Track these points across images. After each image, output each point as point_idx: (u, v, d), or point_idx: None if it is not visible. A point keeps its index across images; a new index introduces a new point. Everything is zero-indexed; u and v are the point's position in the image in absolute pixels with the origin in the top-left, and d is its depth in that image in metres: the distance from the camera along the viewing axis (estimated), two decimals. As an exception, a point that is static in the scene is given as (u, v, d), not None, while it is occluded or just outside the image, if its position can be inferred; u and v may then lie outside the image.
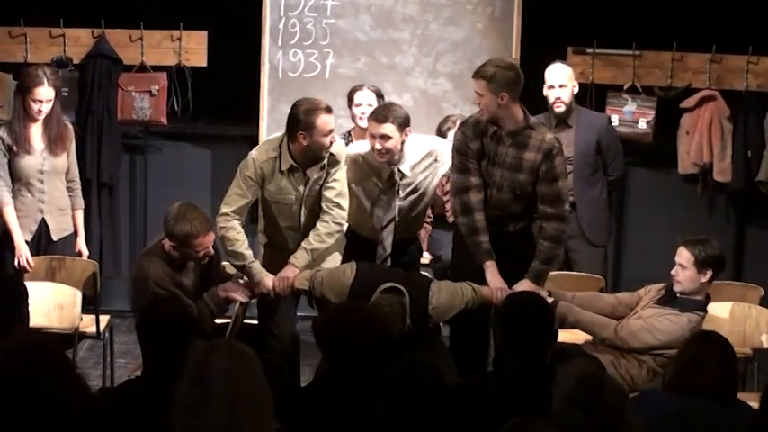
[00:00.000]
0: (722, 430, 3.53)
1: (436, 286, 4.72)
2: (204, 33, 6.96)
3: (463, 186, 5.00)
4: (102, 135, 6.90)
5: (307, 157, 4.98)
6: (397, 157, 5.12)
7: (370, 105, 5.87)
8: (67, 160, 5.85)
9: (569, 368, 3.19)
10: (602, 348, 4.80)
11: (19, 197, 5.76)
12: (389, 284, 4.49)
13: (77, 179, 5.97)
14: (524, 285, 4.90)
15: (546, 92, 6.24)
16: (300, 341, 5.32)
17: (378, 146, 5.07)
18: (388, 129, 5.04)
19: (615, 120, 6.80)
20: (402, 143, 5.10)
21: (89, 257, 5.95)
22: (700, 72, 6.91)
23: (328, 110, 4.94)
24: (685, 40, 6.85)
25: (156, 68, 6.96)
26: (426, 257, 6.25)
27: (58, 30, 6.90)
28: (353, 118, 6.11)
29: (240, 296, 4.94)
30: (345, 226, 5.15)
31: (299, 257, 4.99)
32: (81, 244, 5.95)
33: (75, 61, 6.91)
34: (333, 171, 5.03)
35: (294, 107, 4.97)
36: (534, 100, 6.07)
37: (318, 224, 5.03)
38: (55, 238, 5.84)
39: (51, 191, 5.82)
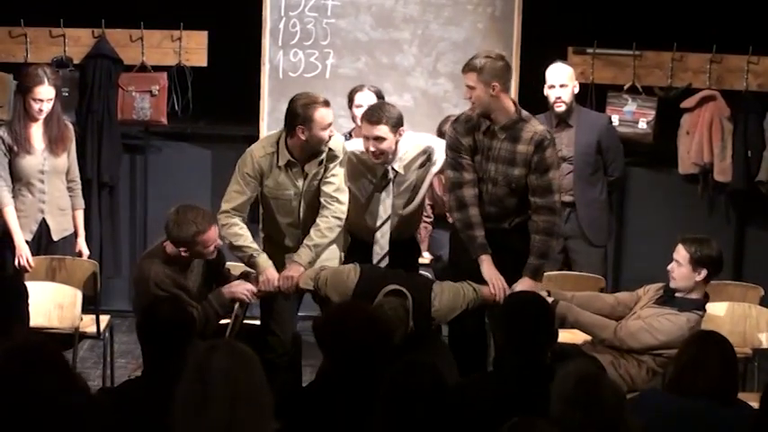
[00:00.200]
0: (722, 430, 3.53)
1: (438, 288, 4.72)
2: (204, 33, 6.96)
3: (457, 182, 5.02)
4: (103, 135, 6.90)
5: (305, 152, 4.98)
6: (391, 156, 5.13)
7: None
8: (68, 160, 5.85)
9: (568, 368, 3.19)
10: (602, 348, 4.81)
11: (19, 197, 5.76)
12: (392, 287, 4.49)
13: (78, 179, 5.97)
14: (524, 283, 4.91)
15: (546, 91, 6.24)
16: (301, 341, 5.32)
17: (372, 148, 5.06)
18: (382, 130, 5.03)
19: (615, 120, 6.80)
20: (396, 143, 5.10)
21: (89, 257, 5.95)
22: (700, 72, 6.91)
23: (326, 103, 4.94)
24: (685, 40, 6.85)
25: (157, 68, 6.96)
26: (426, 257, 6.26)
27: (59, 30, 6.90)
28: (354, 118, 6.11)
29: (245, 296, 4.93)
30: (344, 219, 5.13)
31: (303, 255, 4.99)
32: (81, 244, 5.95)
33: (76, 61, 6.91)
34: (331, 166, 5.03)
35: (292, 101, 4.97)
36: (534, 100, 6.08)
37: (318, 220, 5.03)
38: (55, 238, 5.84)
39: (52, 191, 5.82)
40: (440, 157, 5.21)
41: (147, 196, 7.26)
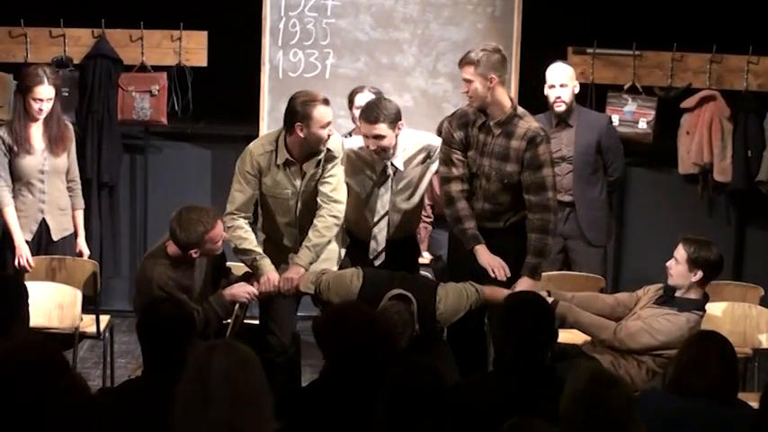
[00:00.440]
0: (722, 430, 3.53)
1: (443, 291, 4.71)
2: (204, 33, 6.97)
3: (445, 177, 5.09)
4: (103, 135, 6.91)
5: (304, 151, 4.98)
6: (391, 151, 5.13)
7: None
8: (68, 160, 5.86)
9: (582, 366, 3.19)
10: (602, 349, 4.81)
11: (19, 197, 5.76)
12: (397, 292, 4.49)
13: (78, 179, 5.97)
14: (523, 283, 4.93)
15: (546, 91, 6.24)
16: (300, 341, 5.32)
17: (372, 146, 5.08)
18: (381, 128, 5.05)
19: (615, 120, 6.80)
20: (396, 136, 5.11)
21: (89, 257, 5.95)
22: (700, 72, 6.92)
23: (325, 102, 4.94)
24: (685, 40, 6.85)
25: (157, 68, 6.97)
26: (426, 257, 6.26)
27: (59, 30, 6.90)
28: (354, 119, 6.11)
29: (245, 298, 4.93)
30: (342, 217, 5.13)
31: (303, 256, 4.99)
32: (81, 244, 5.95)
33: (76, 61, 6.91)
34: (329, 167, 5.03)
35: (292, 99, 4.97)
36: (534, 100, 6.08)
37: (315, 220, 5.02)
38: (55, 237, 5.84)
39: (52, 191, 5.82)
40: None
41: (147, 196, 7.26)
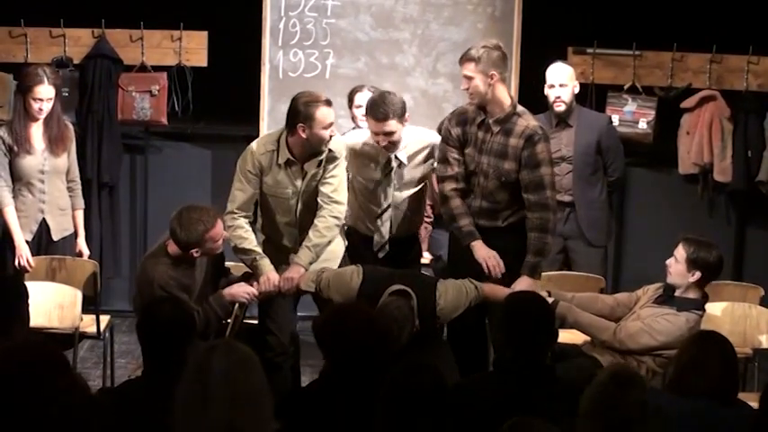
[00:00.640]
0: (722, 430, 3.53)
1: (443, 287, 4.72)
2: (204, 33, 6.97)
3: (441, 176, 5.14)
4: (103, 135, 6.91)
5: (305, 151, 4.98)
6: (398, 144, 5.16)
7: (371, 107, 5.87)
8: (68, 160, 5.85)
9: (607, 368, 3.18)
10: (601, 349, 4.80)
11: (19, 197, 5.76)
12: (397, 287, 4.50)
13: (78, 179, 5.97)
14: (523, 281, 4.94)
15: (546, 91, 6.24)
16: (300, 341, 5.32)
17: (382, 142, 5.10)
18: (391, 125, 5.08)
19: (615, 120, 6.80)
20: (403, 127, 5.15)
21: (89, 257, 5.95)
22: (700, 72, 6.92)
23: (328, 103, 4.94)
24: (685, 40, 6.85)
25: (157, 68, 6.97)
26: (426, 257, 6.26)
27: (59, 30, 6.90)
28: (354, 119, 6.11)
29: (245, 298, 4.93)
30: (343, 218, 5.14)
31: (303, 256, 4.99)
32: (81, 244, 5.95)
33: (76, 61, 6.91)
34: (330, 167, 5.03)
35: (294, 99, 4.98)
36: (534, 100, 6.08)
37: (316, 220, 5.02)
38: (55, 238, 5.84)
39: (52, 191, 5.82)
40: None
41: (147, 196, 7.26)
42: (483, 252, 4.99)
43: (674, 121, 6.94)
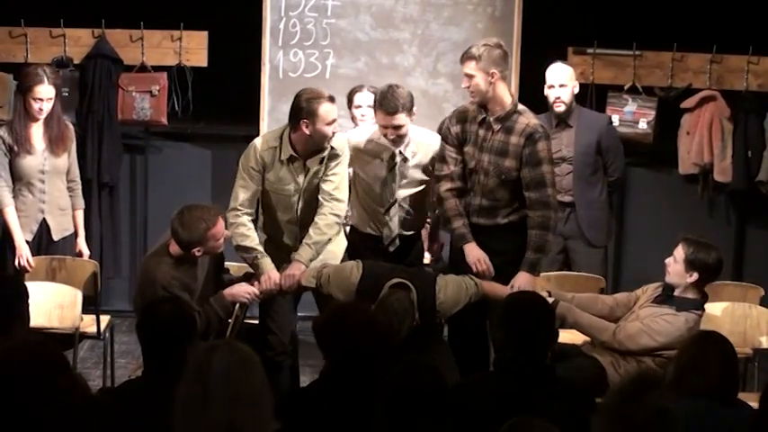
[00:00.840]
0: (723, 430, 3.53)
1: (443, 281, 4.74)
2: (204, 33, 6.97)
3: (437, 175, 5.15)
4: (103, 135, 6.91)
5: (308, 147, 4.98)
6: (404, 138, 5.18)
7: (370, 107, 5.87)
8: (68, 160, 5.86)
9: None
10: (601, 349, 4.80)
11: (20, 197, 5.77)
12: (397, 280, 4.50)
13: (78, 179, 5.97)
14: (522, 278, 4.95)
15: (546, 91, 6.24)
16: (299, 341, 5.32)
17: (391, 135, 5.10)
18: (400, 118, 5.07)
19: (616, 120, 6.80)
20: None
21: (89, 257, 5.95)
22: (700, 72, 6.92)
23: (331, 99, 4.95)
24: (685, 40, 6.85)
25: (157, 68, 6.97)
26: (427, 257, 6.25)
27: (59, 30, 6.90)
28: (353, 119, 6.11)
29: (246, 298, 4.92)
30: (343, 217, 5.14)
31: (303, 253, 4.99)
32: (81, 244, 5.95)
33: (76, 61, 6.91)
34: (333, 164, 5.03)
35: (297, 96, 4.99)
36: (534, 100, 6.08)
37: (316, 218, 5.02)
38: (55, 238, 5.85)
39: (52, 191, 5.82)
40: None
41: (147, 196, 7.26)
42: (473, 255, 5.00)
43: (674, 121, 6.94)
